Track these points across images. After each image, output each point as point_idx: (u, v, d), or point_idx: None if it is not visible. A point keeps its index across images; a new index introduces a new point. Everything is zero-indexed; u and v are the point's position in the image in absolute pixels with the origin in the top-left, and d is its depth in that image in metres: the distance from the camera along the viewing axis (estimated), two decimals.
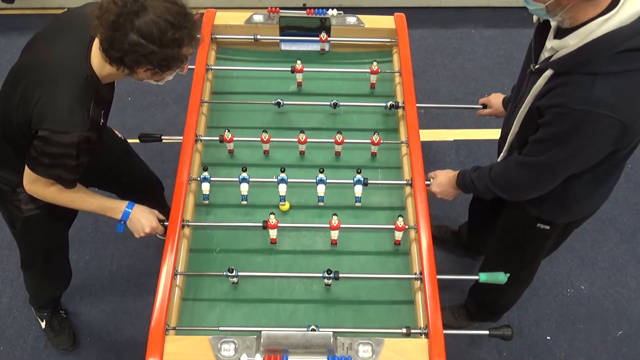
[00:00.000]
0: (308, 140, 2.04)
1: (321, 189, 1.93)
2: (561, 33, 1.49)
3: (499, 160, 1.85)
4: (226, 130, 2.03)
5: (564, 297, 2.67)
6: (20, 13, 3.79)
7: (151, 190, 2.41)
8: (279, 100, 2.15)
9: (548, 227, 1.86)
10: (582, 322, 2.60)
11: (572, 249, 2.82)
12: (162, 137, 2.14)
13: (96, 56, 1.56)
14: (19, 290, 2.61)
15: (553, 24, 1.53)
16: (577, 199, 1.68)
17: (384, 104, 2.17)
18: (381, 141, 2.03)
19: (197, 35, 1.53)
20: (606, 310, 2.64)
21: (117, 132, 2.20)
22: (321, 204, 1.96)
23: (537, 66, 1.57)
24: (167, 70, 1.56)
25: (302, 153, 2.10)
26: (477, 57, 3.65)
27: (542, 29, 1.60)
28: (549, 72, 1.51)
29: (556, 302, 2.65)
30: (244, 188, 1.91)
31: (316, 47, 2.38)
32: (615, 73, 1.41)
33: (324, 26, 2.35)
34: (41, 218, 1.91)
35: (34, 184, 1.69)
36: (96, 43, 1.53)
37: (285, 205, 1.95)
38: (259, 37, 2.33)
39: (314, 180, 1.91)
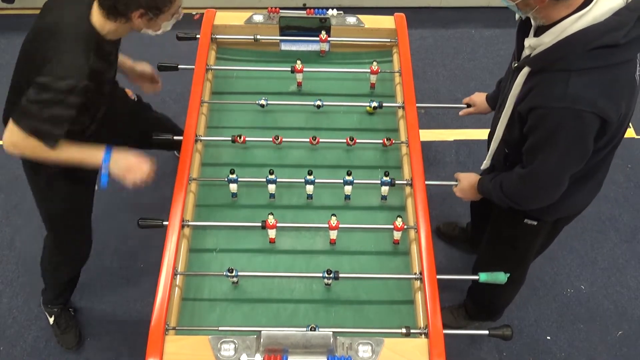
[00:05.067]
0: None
1: (348, 189, 1.96)
2: (540, 31, 1.50)
3: (484, 162, 1.88)
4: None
5: (564, 297, 2.67)
6: (20, 13, 3.79)
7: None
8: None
9: (535, 223, 1.87)
10: (582, 322, 2.60)
11: (572, 249, 2.82)
12: (173, 138, 2.13)
13: (96, 15, 1.69)
14: (19, 291, 2.61)
15: (534, 22, 1.54)
16: (563, 196, 1.69)
17: (367, 104, 2.16)
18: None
19: None
20: (606, 310, 2.64)
21: (129, 92, 2.31)
22: (348, 201, 1.98)
23: (516, 64, 1.59)
24: (159, 15, 1.66)
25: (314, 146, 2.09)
26: (477, 57, 3.65)
27: (525, 27, 1.60)
28: (525, 70, 1.52)
29: (556, 302, 2.65)
30: (271, 188, 1.94)
31: (316, 47, 2.38)
32: (589, 69, 1.42)
33: (324, 26, 2.35)
34: (60, 179, 1.95)
35: (13, 137, 1.69)
36: (95, 4, 1.68)
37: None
38: (258, 37, 2.33)
39: (341, 181, 1.94)
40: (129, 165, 1.80)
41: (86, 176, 1.98)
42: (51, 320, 2.45)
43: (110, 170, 1.80)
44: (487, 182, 1.85)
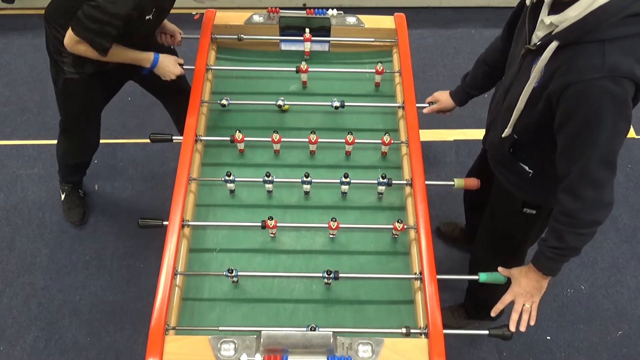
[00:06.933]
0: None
1: (345, 189, 1.97)
2: (556, 8, 1.48)
3: (503, 136, 1.73)
4: (237, 131, 2.04)
5: (564, 297, 2.67)
6: (20, 13, 3.79)
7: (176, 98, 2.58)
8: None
9: (534, 212, 1.85)
10: (582, 322, 2.60)
11: None
12: (173, 138, 2.12)
13: None
14: (19, 290, 2.62)
15: (547, 0, 1.52)
16: None
17: (330, 103, 2.15)
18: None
19: None
20: (606, 310, 2.64)
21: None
22: (347, 201, 1.99)
23: (539, 42, 1.54)
24: None
25: (312, 152, 2.10)
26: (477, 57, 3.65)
27: (536, 9, 1.58)
28: (553, 45, 1.47)
29: (556, 302, 2.65)
30: (270, 188, 1.96)
31: (317, 47, 2.38)
32: (622, 37, 1.40)
33: (324, 26, 2.35)
34: (79, 84, 2.23)
35: (69, 40, 2.00)
36: None
37: (286, 106, 2.19)
38: (243, 36, 2.34)
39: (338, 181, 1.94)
40: (165, 66, 2.21)
41: (101, 86, 2.31)
42: (62, 197, 2.81)
43: (155, 69, 2.21)
44: (545, 249, 1.63)
